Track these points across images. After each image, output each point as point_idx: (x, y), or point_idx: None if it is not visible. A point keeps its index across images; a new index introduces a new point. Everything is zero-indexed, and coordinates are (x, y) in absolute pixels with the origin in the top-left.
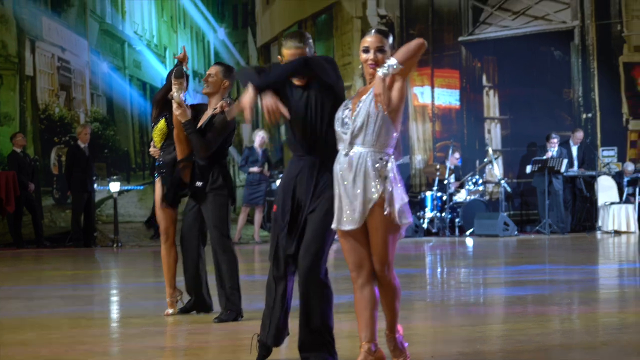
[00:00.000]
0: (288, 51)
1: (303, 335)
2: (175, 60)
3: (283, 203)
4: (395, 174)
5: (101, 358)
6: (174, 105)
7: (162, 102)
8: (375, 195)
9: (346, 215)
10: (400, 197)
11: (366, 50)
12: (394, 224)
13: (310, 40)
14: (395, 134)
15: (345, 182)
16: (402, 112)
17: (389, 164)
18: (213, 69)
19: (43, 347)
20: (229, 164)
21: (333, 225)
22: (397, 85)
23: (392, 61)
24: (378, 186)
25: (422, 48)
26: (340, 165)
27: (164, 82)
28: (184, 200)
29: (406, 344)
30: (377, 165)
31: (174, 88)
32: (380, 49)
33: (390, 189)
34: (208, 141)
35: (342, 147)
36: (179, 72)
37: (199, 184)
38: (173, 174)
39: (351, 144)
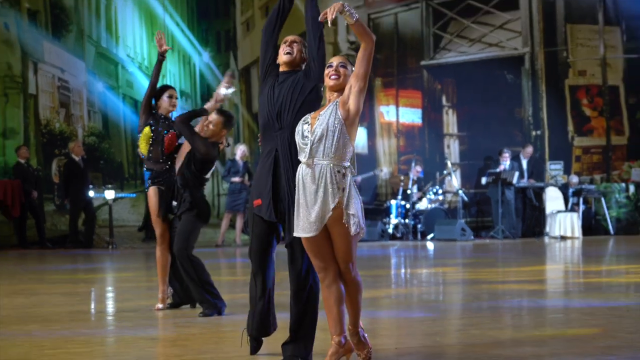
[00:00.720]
0: (289, 37)
1: (296, 334)
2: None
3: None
4: (352, 186)
5: (98, 347)
6: (214, 97)
7: (148, 107)
8: (332, 206)
9: (302, 223)
10: (355, 209)
11: (329, 65)
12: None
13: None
14: (351, 148)
15: (307, 192)
16: (357, 126)
17: (346, 177)
18: (215, 118)
19: (45, 337)
20: (212, 175)
21: (295, 233)
22: (352, 98)
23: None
24: (336, 198)
25: (373, 41)
26: (303, 175)
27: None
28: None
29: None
30: (335, 177)
31: (224, 86)
32: (342, 65)
33: (347, 201)
34: (191, 130)
35: (303, 158)
36: (233, 74)
37: (174, 203)
38: (167, 184)
39: (311, 156)
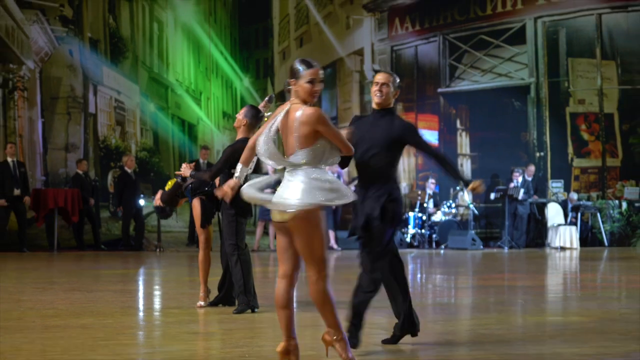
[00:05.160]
0: (379, 76)
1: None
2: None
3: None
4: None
5: (146, 340)
6: None
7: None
8: None
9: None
10: None
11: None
12: None
13: (398, 80)
14: None
15: None
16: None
17: None
18: (241, 111)
19: (99, 330)
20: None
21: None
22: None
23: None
24: None
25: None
26: None
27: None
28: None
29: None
30: None
31: (262, 109)
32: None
33: None
34: (212, 169)
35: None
36: (271, 99)
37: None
38: (208, 194)
39: None
